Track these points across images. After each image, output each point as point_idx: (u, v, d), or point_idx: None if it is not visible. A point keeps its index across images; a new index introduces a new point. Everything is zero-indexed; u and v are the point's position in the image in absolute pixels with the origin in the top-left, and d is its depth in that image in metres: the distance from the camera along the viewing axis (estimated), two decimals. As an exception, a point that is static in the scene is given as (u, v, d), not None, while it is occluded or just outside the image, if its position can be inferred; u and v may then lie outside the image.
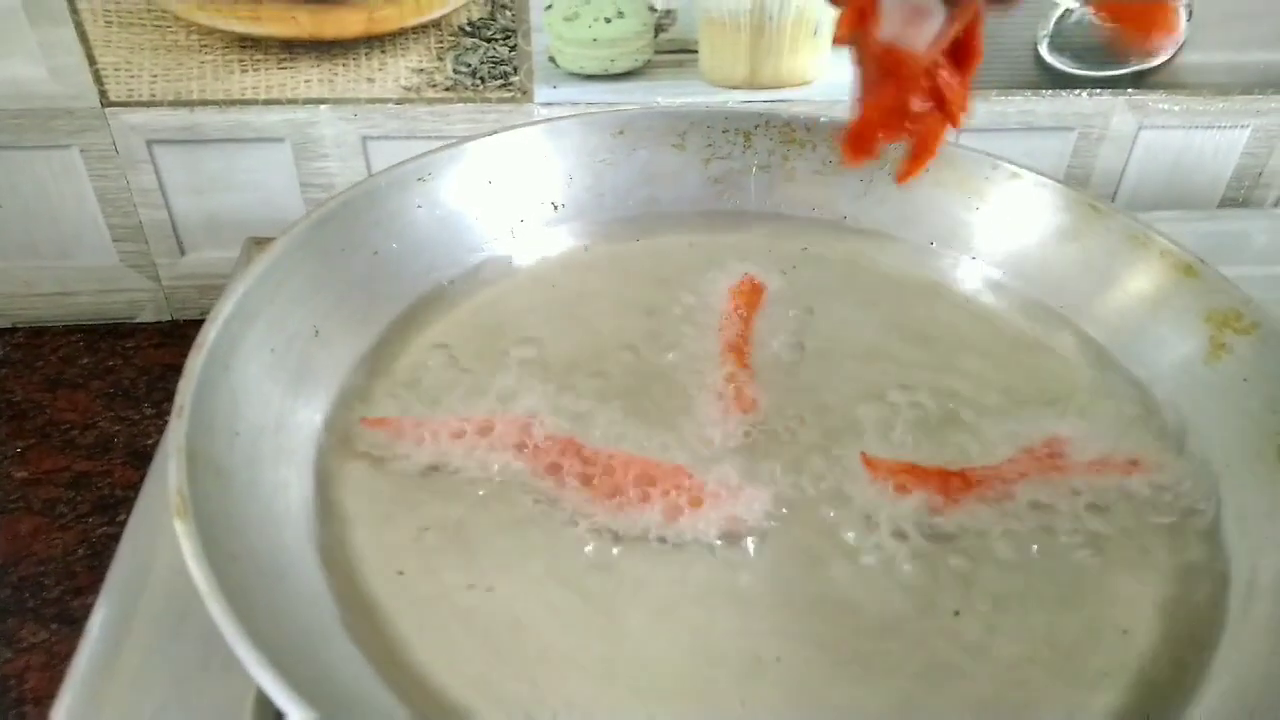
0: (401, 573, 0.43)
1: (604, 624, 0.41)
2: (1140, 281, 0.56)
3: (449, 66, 0.68)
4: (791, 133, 0.64)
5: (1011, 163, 0.60)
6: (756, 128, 0.64)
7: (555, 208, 0.62)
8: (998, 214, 0.61)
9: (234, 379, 0.44)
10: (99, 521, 0.60)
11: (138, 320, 0.76)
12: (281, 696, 0.31)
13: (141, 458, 0.63)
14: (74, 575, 0.57)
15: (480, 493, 0.46)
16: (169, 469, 0.37)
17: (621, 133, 0.61)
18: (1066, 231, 0.59)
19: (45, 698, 0.49)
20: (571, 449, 0.47)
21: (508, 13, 0.66)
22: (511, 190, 0.60)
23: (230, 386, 0.43)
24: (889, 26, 0.40)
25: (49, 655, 0.52)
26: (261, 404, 0.45)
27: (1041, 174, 0.60)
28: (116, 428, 0.66)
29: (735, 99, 0.71)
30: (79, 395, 0.68)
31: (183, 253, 0.74)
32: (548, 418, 0.49)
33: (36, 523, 0.59)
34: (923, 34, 0.40)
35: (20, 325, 0.74)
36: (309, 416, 0.48)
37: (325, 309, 0.51)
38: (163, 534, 0.45)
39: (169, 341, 0.74)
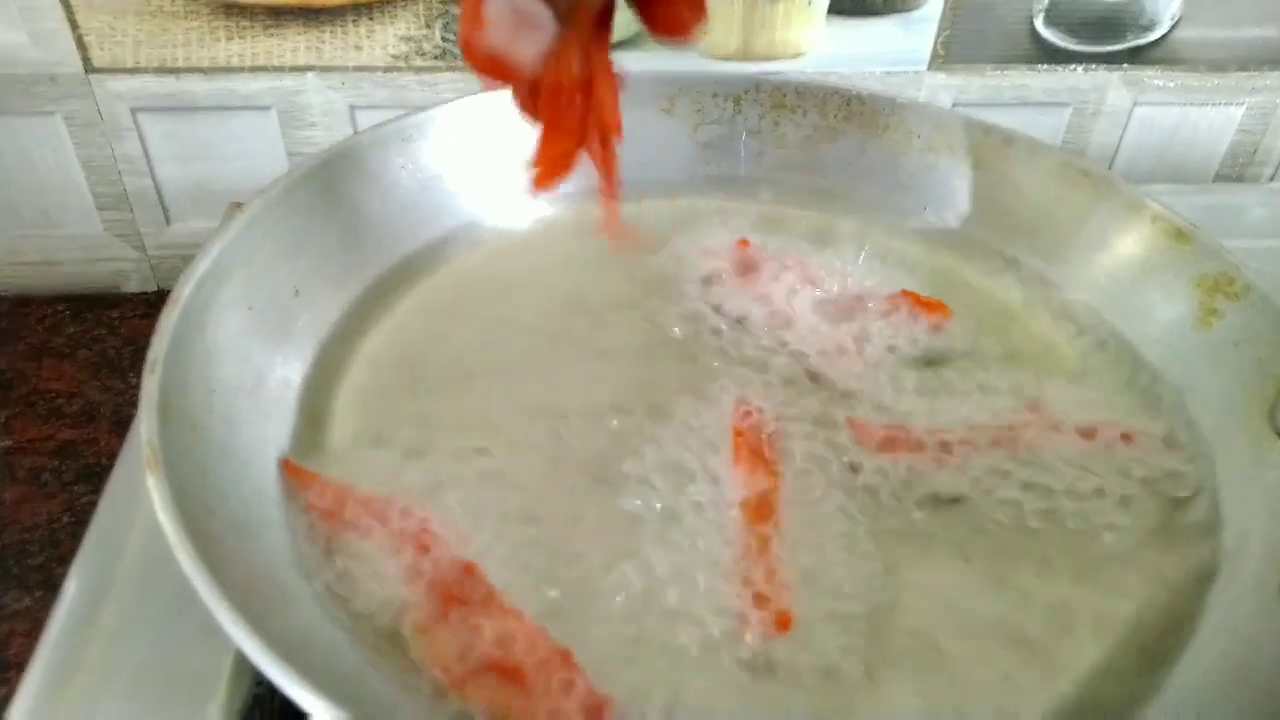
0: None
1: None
2: (1132, 246, 0.55)
3: (437, 34, 0.67)
4: (782, 98, 0.63)
5: (1003, 129, 0.60)
6: (746, 93, 0.63)
7: (541, 171, 0.61)
8: (989, 180, 0.61)
9: (210, 336, 0.43)
10: (84, 490, 0.59)
11: (124, 290, 0.75)
12: (247, 643, 0.31)
13: (127, 427, 0.63)
14: (58, 543, 0.56)
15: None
16: (141, 423, 0.37)
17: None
18: (1058, 197, 0.58)
19: (29, 663, 0.48)
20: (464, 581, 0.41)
21: (497, -21, 0.65)
22: (497, 152, 0.59)
23: (206, 343, 0.43)
24: (496, 34, 0.37)
25: (33, 622, 0.52)
26: (239, 361, 0.44)
27: (1033, 140, 0.59)
28: (102, 397, 0.66)
29: (736, 71, 0.71)
30: (64, 365, 0.68)
31: (168, 222, 0.73)
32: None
33: (21, 491, 0.59)
34: (531, 44, 0.37)
35: (5, 294, 0.73)
36: (288, 375, 0.47)
37: (306, 268, 0.50)
38: (141, 499, 0.45)
39: (155, 312, 0.71)
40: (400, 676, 0.37)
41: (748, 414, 0.48)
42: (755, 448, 0.47)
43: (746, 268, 0.57)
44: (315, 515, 0.42)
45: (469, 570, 0.40)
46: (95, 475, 0.60)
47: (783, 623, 0.40)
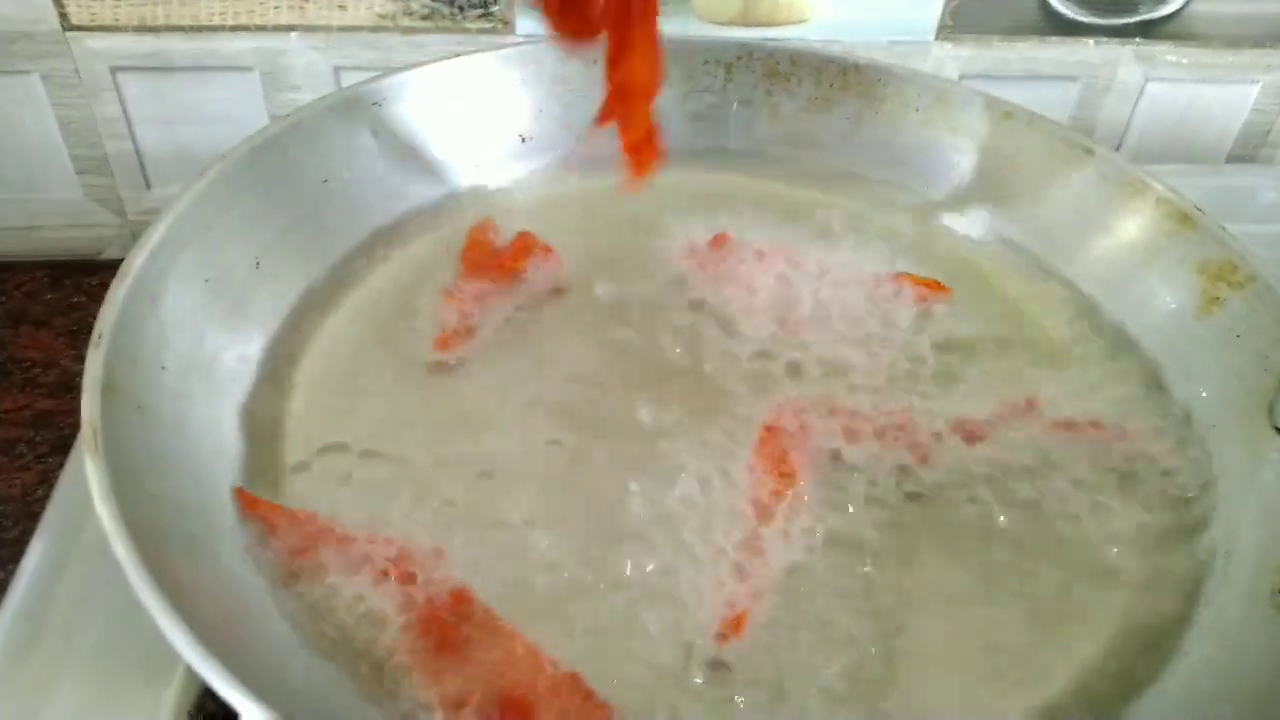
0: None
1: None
2: (1133, 230, 0.54)
3: (425, -7, 0.66)
4: (775, 66, 0.61)
5: (1005, 101, 0.58)
6: (739, 59, 0.62)
7: (523, 140, 0.59)
8: (988, 155, 0.59)
9: (163, 310, 0.42)
10: (59, 462, 0.58)
11: (104, 256, 0.74)
12: (180, 640, 0.30)
13: (104, 397, 0.62)
14: (34, 516, 0.54)
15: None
16: (82, 403, 0.36)
17: (595, 62, 0.58)
18: (1059, 175, 0.57)
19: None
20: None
21: (488, -63, 0.64)
22: (476, 120, 0.58)
23: (158, 318, 0.41)
24: None
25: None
26: (194, 338, 0.43)
27: (1035, 114, 0.58)
28: (79, 367, 0.63)
29: (728, 36, 0.69)
30: (42, 333, 0.67)
31: (149, 186, 0.72)
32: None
33: (-5, 462, 0.58)
34: None
35: (-18, 259, 0.72)
36: (245, 353, 0.46)
37: (269, 240, 0.49)
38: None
39: (136, 279, 0.72)
40: (357, 684, 0.36)
41: (779, 415, 0.47)
42: (779, 450, 0.45)
43: (730, 260, 0.55)
44: (278, 548, 0.39)
45: (460, 597, 0.38)
46: (71, 447, 0.59)
47: (736, 625, 0.39)
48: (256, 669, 0.30)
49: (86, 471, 0.33)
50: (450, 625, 0.37)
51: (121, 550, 0.31)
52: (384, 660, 0.36)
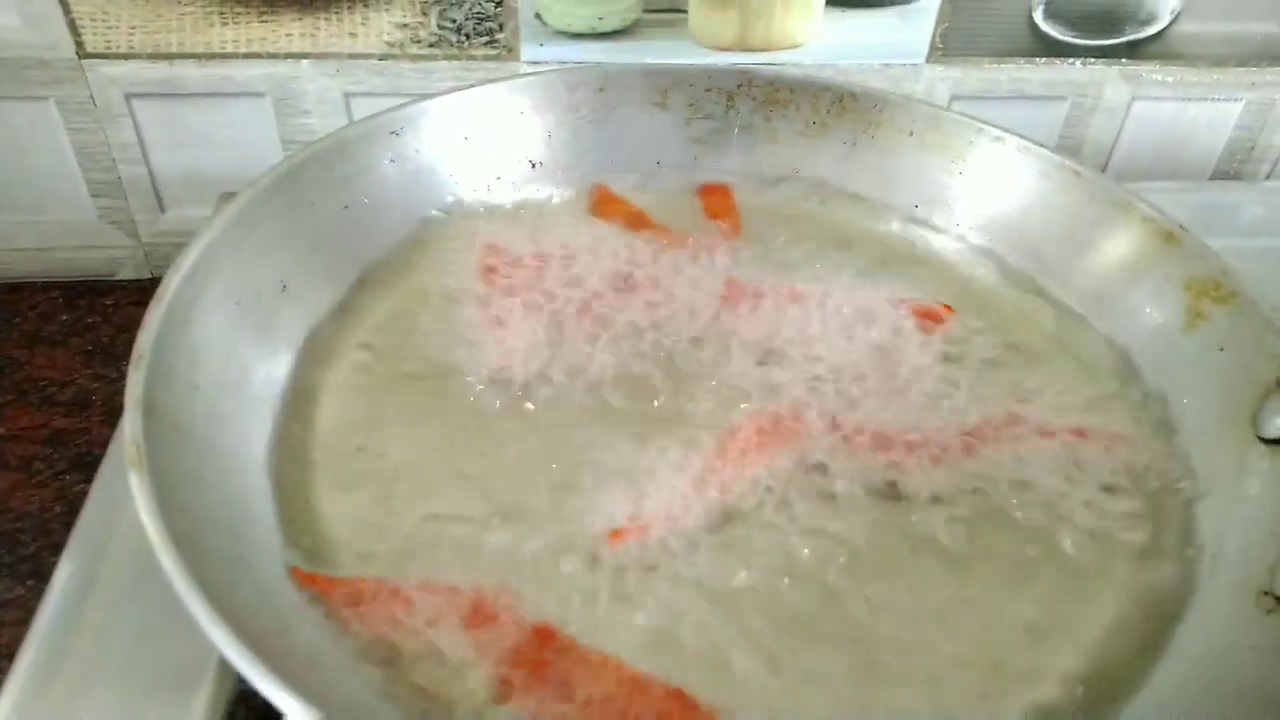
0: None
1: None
2: (1120, 248, 0.55)
3: (433, 22, 0.67)
4: (775, 93, 0.63)
5: (995, 126, 0.59)
6: (739, 87, 0.63)
7: (533, 165, 0.61)
8: (980, 178, 0.60)
9: (196, 332, 0.43)
10: (76, 479, 0.59)
11: (117, 277, 0.75)
12: (228, 646, 0.31)
13: (119, 416, 0.62)
14: (50, 532, 0.56)
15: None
16: (125, 421, 0.37)
17: (602, 90, 0.60)
18: (1048, 197, 0.58)
19: (18, 654, 0.48)
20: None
21: (493, -33, 0.65)
22: (488, 147, 0.59)
23: (191, 339, 0.43)
24: None
25: (25, 611, 0.51)
26: (224, 358, 0.44)
27: (1024, 138, 0.59)
28: (94, 385, 0.65)
29: (725, 61, 0.70)
30: (57, 352, 0.68)
31: (162, 209, 0.73)
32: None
33: (13, 479, 0.59)
34: None
35: (-3, 281, 0.73)
36: (272, 372, 0.47)
37: (293, 263, 0.50)
38: (130, 491, 0.45)
39: (148, 299, 0.72)
40: (386, 687, 0.37)
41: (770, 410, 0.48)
42: (759, 433, 0.47)
43: (739, 301, 0.55)
44: (347, 615, 0.39)
45: (544, 633, 0.38)
46: (87, 464, 0.60)
47: (614, 535, 0.41)
48: (294, 673, 0.31)
49: (131, 486, 0.35)
50: (543, 661, 0.37)
51: (168, 561, 0.32)
52: (479, 703, 0.37)
